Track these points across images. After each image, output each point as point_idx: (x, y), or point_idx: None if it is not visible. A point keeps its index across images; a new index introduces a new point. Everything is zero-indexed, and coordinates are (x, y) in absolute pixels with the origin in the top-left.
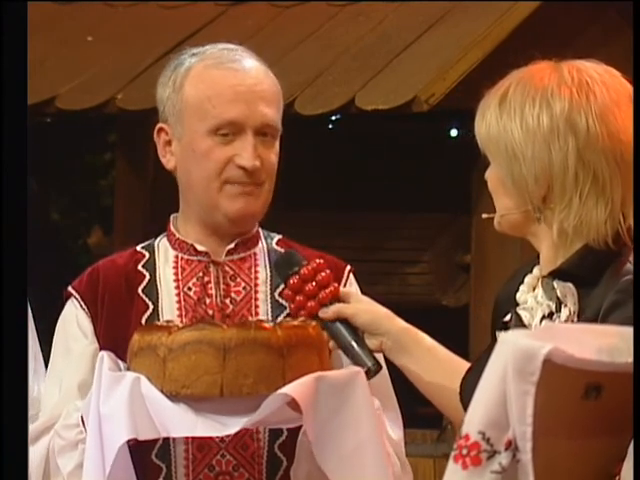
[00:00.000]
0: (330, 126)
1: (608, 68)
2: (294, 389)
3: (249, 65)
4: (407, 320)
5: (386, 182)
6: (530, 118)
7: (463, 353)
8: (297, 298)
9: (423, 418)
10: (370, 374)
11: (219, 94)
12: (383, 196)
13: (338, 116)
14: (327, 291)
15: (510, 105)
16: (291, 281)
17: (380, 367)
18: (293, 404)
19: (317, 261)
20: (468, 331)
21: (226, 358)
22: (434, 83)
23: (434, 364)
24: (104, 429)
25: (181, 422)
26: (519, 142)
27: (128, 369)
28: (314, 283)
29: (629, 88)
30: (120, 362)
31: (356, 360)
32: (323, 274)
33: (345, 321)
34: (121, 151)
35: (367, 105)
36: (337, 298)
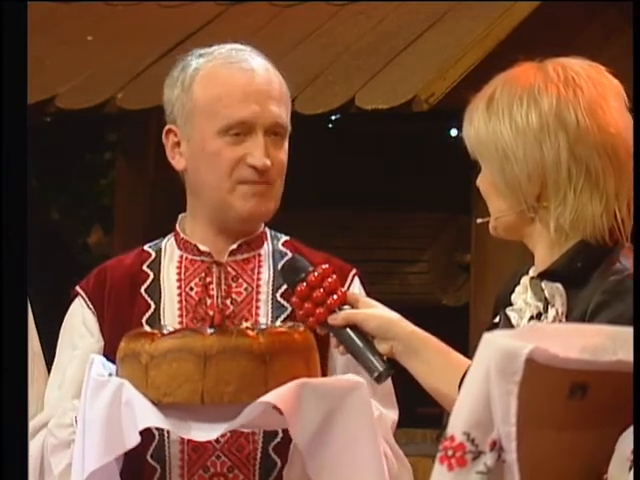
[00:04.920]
0: (330, 125)
1: (593, 63)
2: (276, 396)
3: (258, 65)
4: (407, 319)
5: (386, 181)
6: (519, 117)
7: (463, 352)
8: (305, 305)
9: (423, 417)
10: (382, 378)
11: (229, 94)
12: (383, 195)
13: (338, 115)
14: (335, 297)
15: (498, 107)
16: (298, 288)
17: (392, 371)
18: (280, 410)
19: (323, 267)
20: (468, 330)
21: (207, 365)
22: (434, 82)
23: (444, 366)
24: (87, 434)
25: (162, 420)
26: (509, 143)
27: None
28: (322, 290)
29: (615, 83)
30: (112, 366)
31: (367, 365)
32: (330, 280)
33: (354, 326)
34: (121, 151)
35: (367, 104)
36: (345, 303)
